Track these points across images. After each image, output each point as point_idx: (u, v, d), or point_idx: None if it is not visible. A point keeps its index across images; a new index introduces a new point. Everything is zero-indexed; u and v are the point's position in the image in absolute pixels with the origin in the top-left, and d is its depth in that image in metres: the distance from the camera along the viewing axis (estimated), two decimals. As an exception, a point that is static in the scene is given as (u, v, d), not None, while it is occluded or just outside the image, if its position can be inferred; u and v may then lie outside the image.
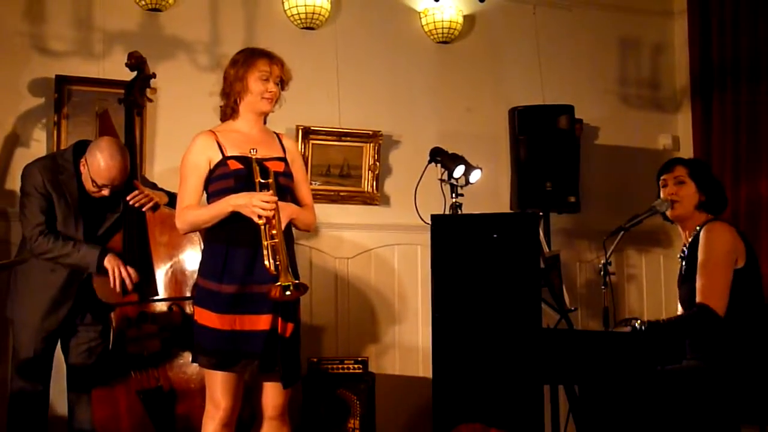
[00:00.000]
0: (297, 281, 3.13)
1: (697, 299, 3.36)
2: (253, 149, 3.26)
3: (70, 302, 3.95)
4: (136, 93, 4.03)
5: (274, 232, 3.17)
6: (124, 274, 3.81)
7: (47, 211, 3.86)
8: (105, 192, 3.88)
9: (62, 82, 4.63)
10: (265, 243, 3.16)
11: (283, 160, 3.39)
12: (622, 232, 3.78)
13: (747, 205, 5.19)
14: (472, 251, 3.93)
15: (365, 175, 5.14)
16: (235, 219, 3.25)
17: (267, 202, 3.19)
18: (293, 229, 3.40)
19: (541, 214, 4.44)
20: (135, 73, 4.05)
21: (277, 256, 3.14)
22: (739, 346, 3.40)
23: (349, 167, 5.11)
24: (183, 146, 3.33)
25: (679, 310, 3.64)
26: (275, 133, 3.51)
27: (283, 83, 3.41)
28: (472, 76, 5.47)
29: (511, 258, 3.87)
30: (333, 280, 5.08)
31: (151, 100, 4.24)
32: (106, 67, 4.63)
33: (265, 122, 3.47)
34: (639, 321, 3.31)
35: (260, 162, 3.29)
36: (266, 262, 3.14)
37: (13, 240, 4.41)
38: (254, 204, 3.18)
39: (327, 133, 5.06)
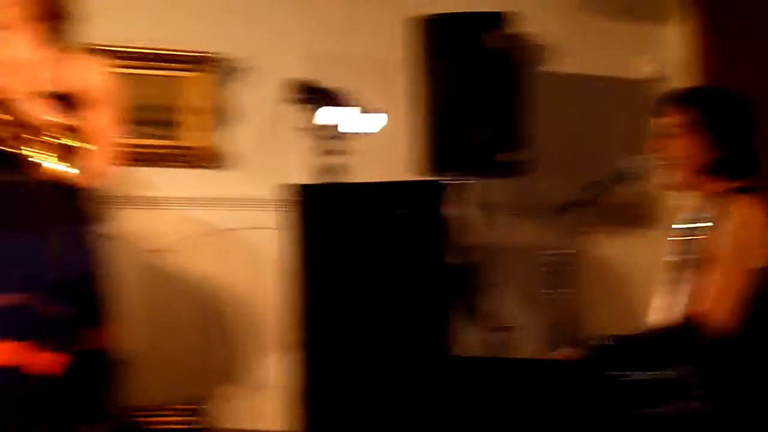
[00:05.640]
0: None
1: (703, 304, 2.91)
2: None
3: None
4: None
5: None
6: None
7: None
8: None
9: None
10: None
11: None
12: (575, 209, 3.56)
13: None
14: (354, 241, 3.51)
15: (195, 122, 4.48)
16: None
17: None
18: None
19: (447, 183, 3.73)
20: None
21: None
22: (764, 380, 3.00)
23: (169, 110, 4.49)
24: None
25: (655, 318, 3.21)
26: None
27: None
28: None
29: (408, 251, 3.47)
30: (146, 285, 4.32)
31: None
32: None
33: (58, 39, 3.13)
34: (602, 337, 2.94)
35: None
36: None
37: None
38: None
39: (132, 56, 4.35)
